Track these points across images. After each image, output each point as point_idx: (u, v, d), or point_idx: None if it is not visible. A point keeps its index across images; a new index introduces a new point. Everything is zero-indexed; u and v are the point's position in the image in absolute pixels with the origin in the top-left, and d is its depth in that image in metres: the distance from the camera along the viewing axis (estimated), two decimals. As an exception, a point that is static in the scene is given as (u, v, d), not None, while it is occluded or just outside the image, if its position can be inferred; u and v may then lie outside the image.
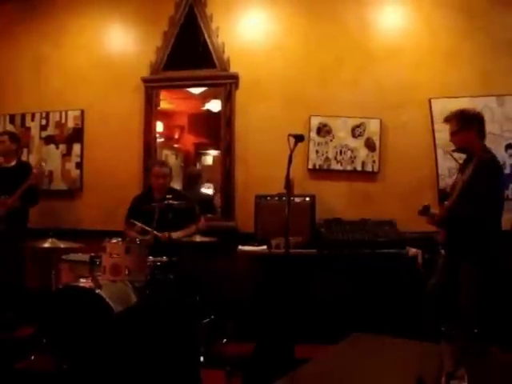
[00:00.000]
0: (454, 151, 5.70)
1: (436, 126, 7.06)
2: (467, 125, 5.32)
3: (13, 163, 7.63)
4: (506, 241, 6.61)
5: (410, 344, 3.73)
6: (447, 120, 5.55)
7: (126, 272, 5.53)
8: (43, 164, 7.87)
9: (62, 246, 5.86)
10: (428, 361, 3.23)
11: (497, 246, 5.29)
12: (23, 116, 8.46)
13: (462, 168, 5.46)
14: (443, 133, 6.93)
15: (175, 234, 6.52)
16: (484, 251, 5.10)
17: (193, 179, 7.82)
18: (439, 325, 5.67)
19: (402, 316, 5.73)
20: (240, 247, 7.04)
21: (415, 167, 6.92)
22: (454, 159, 5.86)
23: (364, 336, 3.91)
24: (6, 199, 7.20)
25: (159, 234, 6.34)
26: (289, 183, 4.95)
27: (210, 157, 9.92)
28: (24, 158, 8.14)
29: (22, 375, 5.36)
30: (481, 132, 5.37)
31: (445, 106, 7.00)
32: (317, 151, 7.42)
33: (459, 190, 5.14)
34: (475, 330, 4.84)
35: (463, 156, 5.59)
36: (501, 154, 6.92)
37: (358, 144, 7.29)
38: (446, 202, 5.34)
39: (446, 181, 6.97)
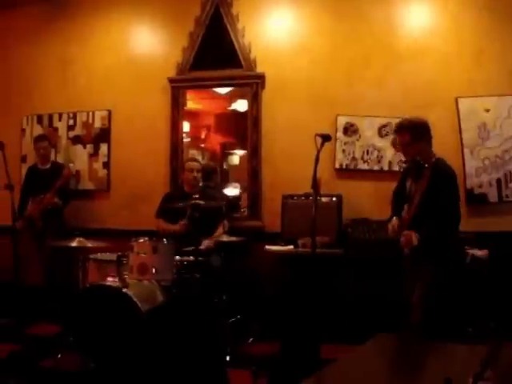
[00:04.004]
0: (404, 163, 5.78)
1: (463, 125, 7.02)
2: (419, 137, 5.29)
3: (48, 165, 7.82)
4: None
5: (437, 344, 3.71)
6: (398, 133, 5.50)
7: (153, 271, 5.54)
8: (71, 165, 7.95)
9: (90, 245, 5.92)
10: (455, 362, 3.21)
11: (456, 248, 5.41)
12: (50, 116, 8.52)
13: (413, 174, 5.38)
14: (470, 132, 6.93)
15: (206, 243, 6.60)
16: (446, 254, 5.09)
17: (206, 174, 7.73)
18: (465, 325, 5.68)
19: (428, 317, 5.69)
20: (267, 247, 7.07)
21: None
22: (403, 168, 5.86)
23: (390, 336, 3.89)
24: (42, 197, 7.39)
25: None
26: (316, 183, 4.94)
27: (237, 156, 9.94)
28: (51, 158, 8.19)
29: (49, 373, 5.39)
30: (430, 140, 5.39)
31: (472, 105, 6.98)
32: (343, 151, 7.41)
33: (418, 202, 5.09)
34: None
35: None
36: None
37: (384, 144, 7.26)
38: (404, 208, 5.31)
39: (474, 180, 6.94)
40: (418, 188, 5.10)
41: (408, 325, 5.12)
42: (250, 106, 7.80)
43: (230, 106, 9.39)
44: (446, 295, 5.15)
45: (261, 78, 7.73)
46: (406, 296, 5.25)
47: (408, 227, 5.13)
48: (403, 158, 5.82)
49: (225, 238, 6.51)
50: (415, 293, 5.14)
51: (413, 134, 5.27)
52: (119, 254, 5.57)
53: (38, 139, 7.98)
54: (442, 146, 6.45)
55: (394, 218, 5.40)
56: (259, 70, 7.75)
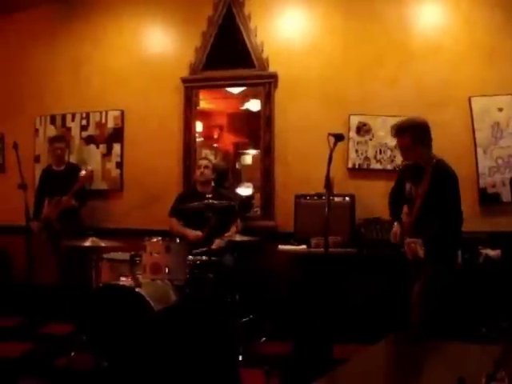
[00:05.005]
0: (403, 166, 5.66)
1: (476, 125, 6.99)
2: (420, 139, 5.19)
3: (62, 167, 7.85)
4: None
5: (450, 345, 3.71)
6: (398, 134, 5.34)
7: (166, 271, 5.55)
8: (90, 169, 7.93)
9: (103, 244, 5.92)
10: (468, 362, 3.21)
11: (457, 247, 5.48)
12: (64, 116, 8.56)
13: (412, 177, 5.35)
14: (483, 131, 6.90)
15: (217, 243, 6.62)
16: (447, 253, 5.12)
17: (220, 175, 7.73)
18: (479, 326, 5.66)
19: (441, 316, 5.69)
20: (280, 246, 7.06)
21: (455, 166, 6.70)
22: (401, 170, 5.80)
23: (402, 336, 3.89)
24: (59, 200, 7.40)
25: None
26: (329, 182, 4.94)
27: (250, 156, 9.95)
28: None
29: (62, 372, 5.41)
30: (430, 143, 5.27)
31: (485, 105, 6.95)
32: (356, 150, 7.40)
33: (419, 206, 5.08)
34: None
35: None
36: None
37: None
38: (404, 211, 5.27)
39: (487, 180, 6.92)
40: (419, 191, 5.08)
41: (410, 324, 5.12)
42: (263, 105, 7.80)
43: (242, 106, 9.40)
44: (445, 294, 5.13)
45: (273, 77, 7.72)
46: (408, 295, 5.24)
47: (410, 231, 5.12)
48: (404, 163, 5.68)
49: (238, 238, 6.52)
50: (414, 290, 5.13)
51: (414, 137, 5.18)
52: (132, 253, 5.59)
53: (55, 139, 8.00)
54: (455, 145, 6.47)
55: (395, 223, 5.39)
56: (272, 69, 7.75)
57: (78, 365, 5.50)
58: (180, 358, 5.05)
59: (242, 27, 7.78)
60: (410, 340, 3.98)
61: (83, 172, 7.53)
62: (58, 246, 7.27)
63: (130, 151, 8.29)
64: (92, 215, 8.06)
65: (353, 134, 7.38)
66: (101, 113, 8.40)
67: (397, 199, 5.47)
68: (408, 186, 5.37)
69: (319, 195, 6.79)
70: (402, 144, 5.33)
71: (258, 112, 8.00)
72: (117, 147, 8.33)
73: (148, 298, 5.13)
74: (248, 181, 9.31)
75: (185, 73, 8.01)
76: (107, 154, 8.37)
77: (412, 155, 5.29)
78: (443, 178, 5.04)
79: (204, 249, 6.22)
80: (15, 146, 7.33)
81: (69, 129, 8.52)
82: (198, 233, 6.73)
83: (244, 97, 9.07)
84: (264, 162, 7.79)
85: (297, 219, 7.14)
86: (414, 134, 5.19)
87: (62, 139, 8.01)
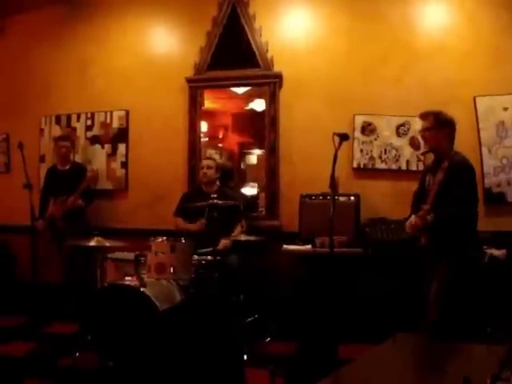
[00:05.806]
0: (424, 153, 5.96)
1: (481, 124, 6.98)
2: (442, 125, 5.33)
3: (67, 166, 7.86)
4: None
5: (455, 344, 3.70)
6: (423, 117, 5.52)
7: (171, 270, 5.55)
8: (95, 169, 7.92)
9: (108, 244, 5.93)
10: (473, 362, 3.20)
11: (472, 246, 5.41)
12: (69, 116, 8.57)
13: (431, 169, 5.44)
14: (488, 131, 6.89)
15: (223, 243, 6.64)
16: (462, 252, 5.13)
17: (225, 175, 7.74)
18: (485, 326, 5.65)
19: (443, 315, 5.68)
20: (284, 246, 7.05)
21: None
22: (423, 162, 5.87)
23: (408, 336, 3.88)
24: (65, 199, 7.40)
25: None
26: (334, 182, 4.94)
27: (255, 156, 9.92)
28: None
29: (67, 372, 5.42)
30: (452, 136, 5.39)
31: (490, 104, 6.94)
32: (361, 150, 7.39)
33: (434, 193, 5.10)
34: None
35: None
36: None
37: (402, 143, 7.24)
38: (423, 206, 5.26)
39: (492, 179, 6.91)
40: (436, 180, 5.11)
41: (425, 323, 5.12)
42: (268, 105, 7.80)
43: (247, 106, 9.37)
44: (460, 294, 5.14)
45: (278, 77, 7.72)
46: (424, 295, 5.24)
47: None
48: (423, 150, 5.88)
49: (242, 238, 6.52)
50: (431, 291, 5.14)
51: (437, 120, 5.32)
52: (137, 253, 5.58)
53: (60, 138, 8.02)
54: (460, 144, 6.41)
55: (413, 215, 5.40)
56: (276, 69, 7.75)
57: (83, 364, 5.51)
58: (185, 357, 5.05)
59: (246, 27, 7.78)
60: (415, 340, 3.97)
61: (91, 172, 7.55)
62: (63, 246, 7.26)
63: (135, 151, 8.30)
64: (97, 215, 8.07)
65: (358, 133, 7.37)
66: (106, 113, 8.42)
67: (418, 198, 5.49)
68: (428, 178, 5.45)
69: (324, 195, 6.79)
70: (425, 125, 5.45)
71: (263, 112, 8.00)
72: (122, 147, 8.33)
73: (153, 298, 5.13)
74: (253, 180, 9.30)
75: (189, 73, 8.01)
76: (112, 154, 8.38)
77: (433, 138, 5.38)
78: (460, 169, 5.12)
79: (210, 249, 6.22)
80: (20, 145, 7.35)
81: (74, 129, 8.54)
82: (199, 222, 6.76)
83: (249, 97, 9.05)
84: (269, 161, 7.80)
85: (302, 219, 7.14)
86: (437, 117, 5.35)
87: (67, 138, 8.02)
